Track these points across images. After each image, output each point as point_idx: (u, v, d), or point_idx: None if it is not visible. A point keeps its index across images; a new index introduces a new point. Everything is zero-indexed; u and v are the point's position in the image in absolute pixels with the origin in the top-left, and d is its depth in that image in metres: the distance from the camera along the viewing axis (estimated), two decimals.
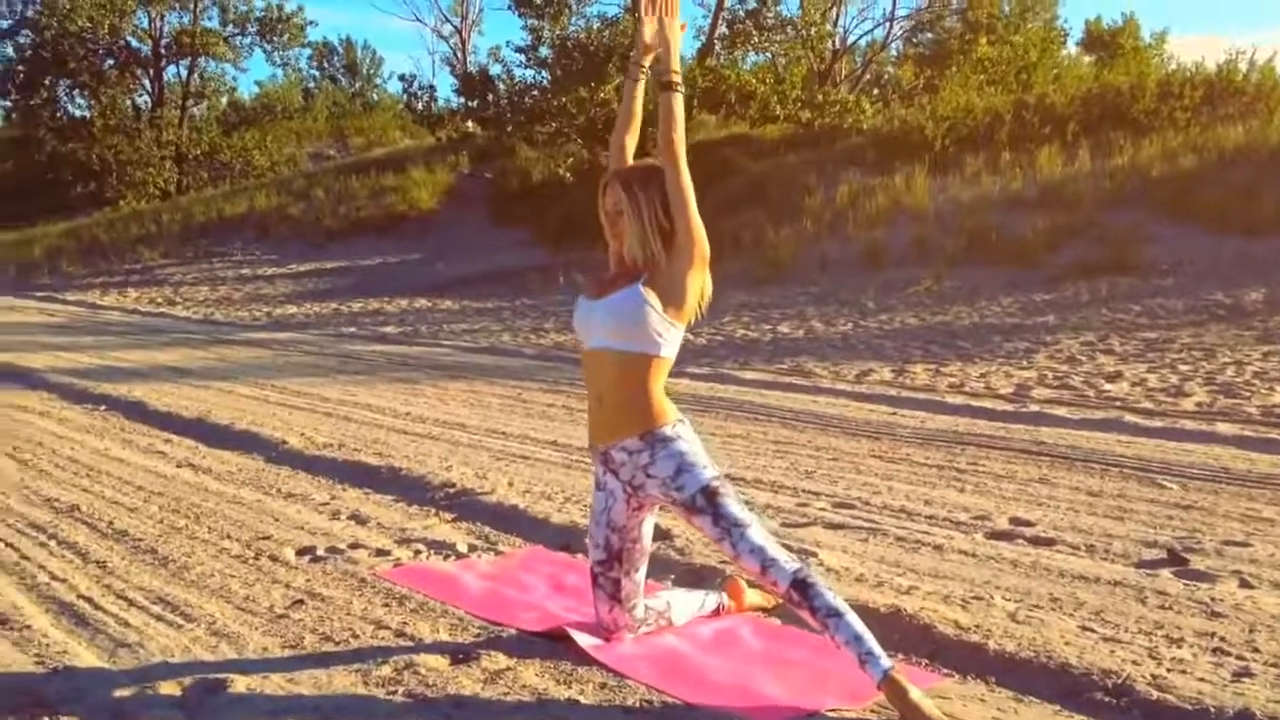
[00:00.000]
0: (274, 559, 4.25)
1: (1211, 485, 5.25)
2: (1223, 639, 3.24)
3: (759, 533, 3.03)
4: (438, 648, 3.29)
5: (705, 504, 3.06)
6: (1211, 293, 12.38)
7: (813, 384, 8.62)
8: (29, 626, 3.49)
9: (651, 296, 3.08)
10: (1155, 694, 2.78)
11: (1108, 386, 8.16)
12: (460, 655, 3.21)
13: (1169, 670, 2.93)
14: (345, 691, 2.97)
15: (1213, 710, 2.67)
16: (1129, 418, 6.95)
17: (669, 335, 3.14)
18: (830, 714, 2.78)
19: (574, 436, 6.73)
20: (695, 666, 3.10)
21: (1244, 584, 3.79)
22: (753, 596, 3.57)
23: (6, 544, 4.50)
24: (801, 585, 2.92)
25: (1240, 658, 3.05)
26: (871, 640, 2.84)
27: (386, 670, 3.11)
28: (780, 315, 13.16)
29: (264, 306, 18.27)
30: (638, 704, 2.87)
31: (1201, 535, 4.41)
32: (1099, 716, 2.73)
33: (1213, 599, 3.60)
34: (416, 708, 2.86)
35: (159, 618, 3.58)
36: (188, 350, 12.33)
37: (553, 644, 3.28)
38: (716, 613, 3.49)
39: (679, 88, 3.17)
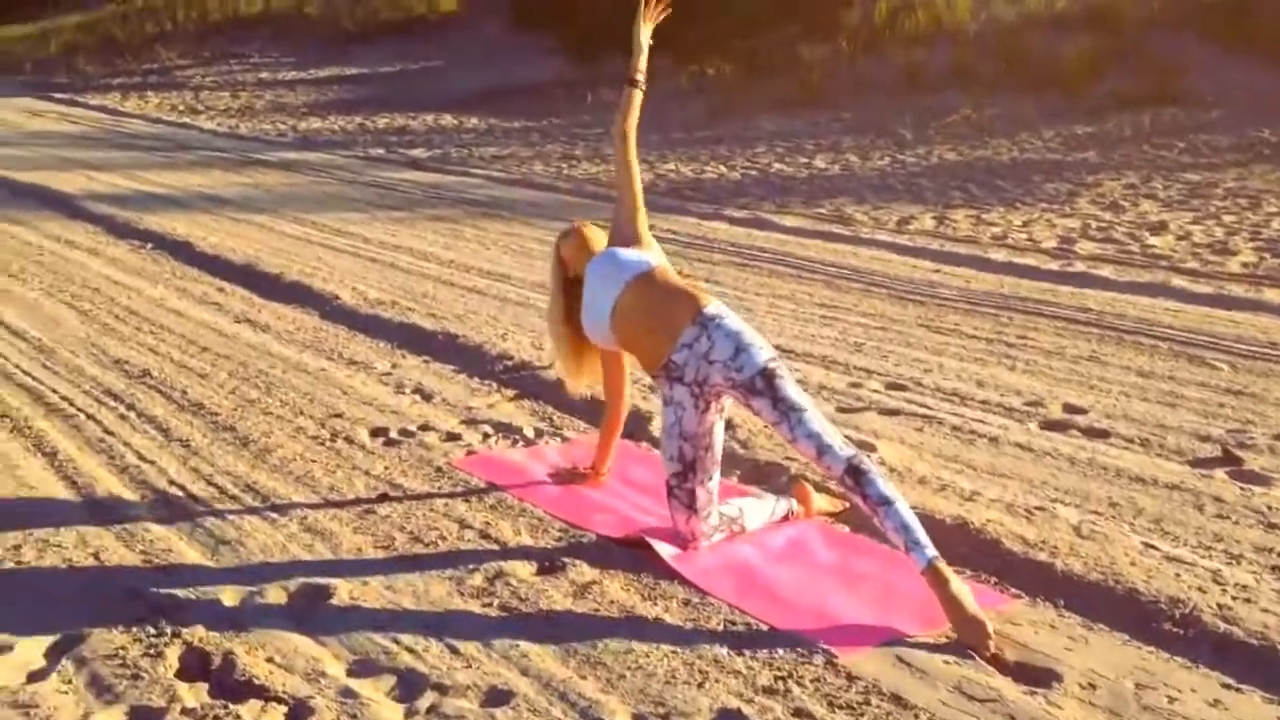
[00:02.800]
0: (350, 441, 4.38)
1: (1262, 365, 5.31)
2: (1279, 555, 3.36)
3: (815, 417, 3.18)
4: (522, 553, 3.43)
5: (764, 386, 3.20)
6: (1259, 129, 12.17)
7: (853, 233, 8.60)
8: (133, 517, 3.64)
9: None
10: (1222, 625, 2.91)
11: (1152, 241, 8.14)
12: (546, 564, 3.35)
13: (1234, 598, 3.05)
14: (443, 603, 3.12)
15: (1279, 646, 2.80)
16: (1176, 280, 6.96)
17: None
18: (907, 639, 2.92)
19: None
20: (771, 582, 3.24)
21: None
22: (820, 502, 3.70)
23: (89, 416, 4.63)
24: (855, 471, 3.05)
25: None
26: (919, 529, 2.98)
27: (479, 579, 3.25)
28: (814, 147, 13.00)
29: (288, 119, 18.05)
30: (721, 626, 3.01)
31: (1254, 427, 4.50)
32: (1168, 648, 2.86)
33: (1269, 507, 3.71)
34: (513, 623, 3.01)
35: (252, 510, 3.73)
36: (220, 173, 12.29)
37: (632, 553, 3.41)
38: (786, 518, 3.62)
39: (642, 86, 3.72)
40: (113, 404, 4.79)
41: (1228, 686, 2.69)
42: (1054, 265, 7.47)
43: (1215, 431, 4.46)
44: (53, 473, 4.04)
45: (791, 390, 3.19)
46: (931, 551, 2.93)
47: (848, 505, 3.72)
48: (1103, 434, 4.46)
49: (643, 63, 3.75)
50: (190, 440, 4.37)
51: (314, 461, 4.16)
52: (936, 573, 2.90)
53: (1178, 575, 3.20)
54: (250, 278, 7.19)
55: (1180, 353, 5.53)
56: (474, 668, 2.80)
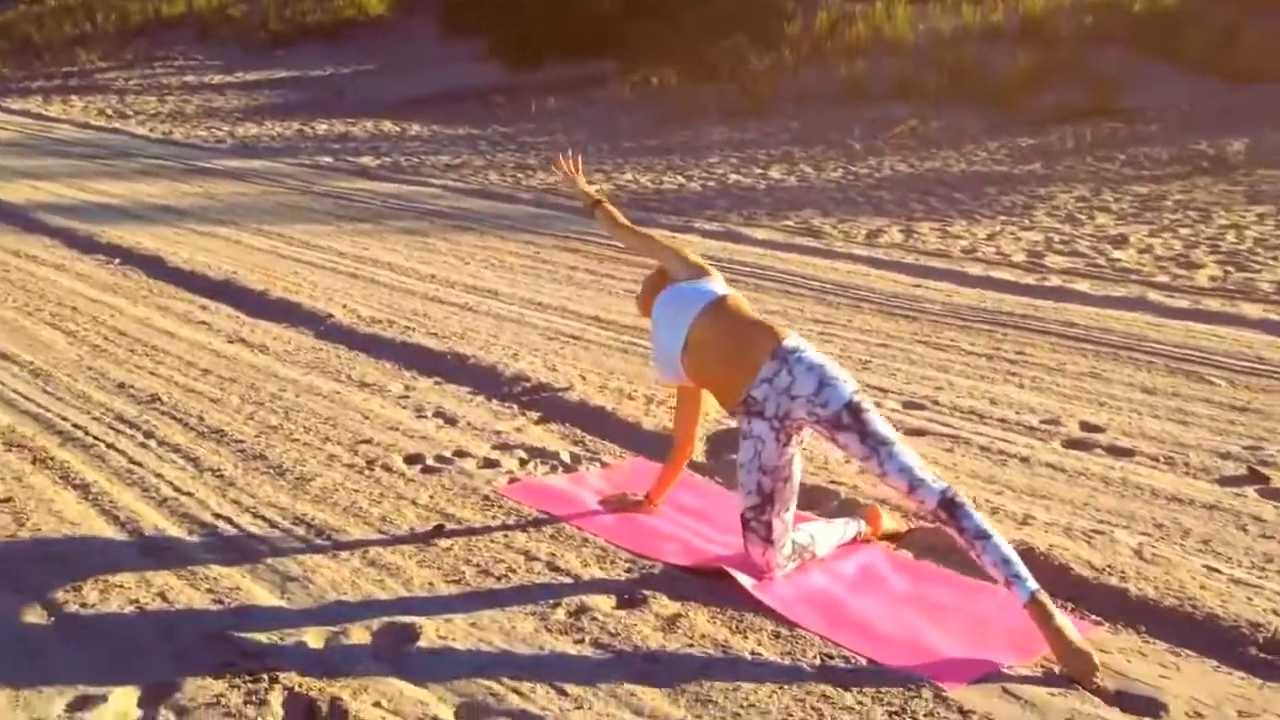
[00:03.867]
0: (387, 469, 4.31)
1: (1258, 380, 5.46)
2: None
3: (905, 450, 3.19)
4: (597, 585, 3.41)
5: (851, 420, 3.21)
6: (1195, 142, 12.54)
7: (827, 245, 8.68)
8: (188, 555, 3.55)
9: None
10: None
11: (1117, 254, 8.33)
12: (625, 596, 3.34)
13: None
14: (534, 640, 3.09)
15: None
16: (1151, 295, 7.14)
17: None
18: (1007, 671, 2.96)
19: (609, 308, 6.79)
20: (858, 614, 3.25)
21: None
22: (888, 523, 3.73)
23: (108, 445, 4.50)
24: (950, 505, 3.08)
25: None
26: (1019, 562, 3.02)
27: (561, 614, 3.23)
28: (766, 157, 13.09)
29: (222, 124, 17.70)
30: (818, 659, 3.02)
31: (1267, 444, 4.63)
32: (1258, 674, 2.94)
33: None
34: (611, 660, 3.00)
35: (309, 544, 3.65)
36: (169, 183, 12.01)
37: (707, 583, 3.41)
38: (854, 540, 3.64)
39: (603, 200, 3.96)
40: (130, 432, 4.66)
41: None
42: (1030, 280, 7.61)
43: (1233, 449, 4.58)
44: (90, 506, 3.92)
45: (879, 423, 3.21)
46: (1034, 584, 2.97)
47: (914, 527, 3.76)
48: (1127, 453, 4.56)
49: (584, 188, 3.99)
50: (222, 470, 4.27)
51: (357, 491, 4.09)
52: (1040, 606, 2.94)
53: (1250, 599, 3.28)
54: (232, 294, 7.04)
55: (1176, 369, 5.68)
56: (585, 709, 2.78)
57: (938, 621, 3.22)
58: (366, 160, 13.83)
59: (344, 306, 6.71)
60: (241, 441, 4.56)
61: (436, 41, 23.99)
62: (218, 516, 3.86)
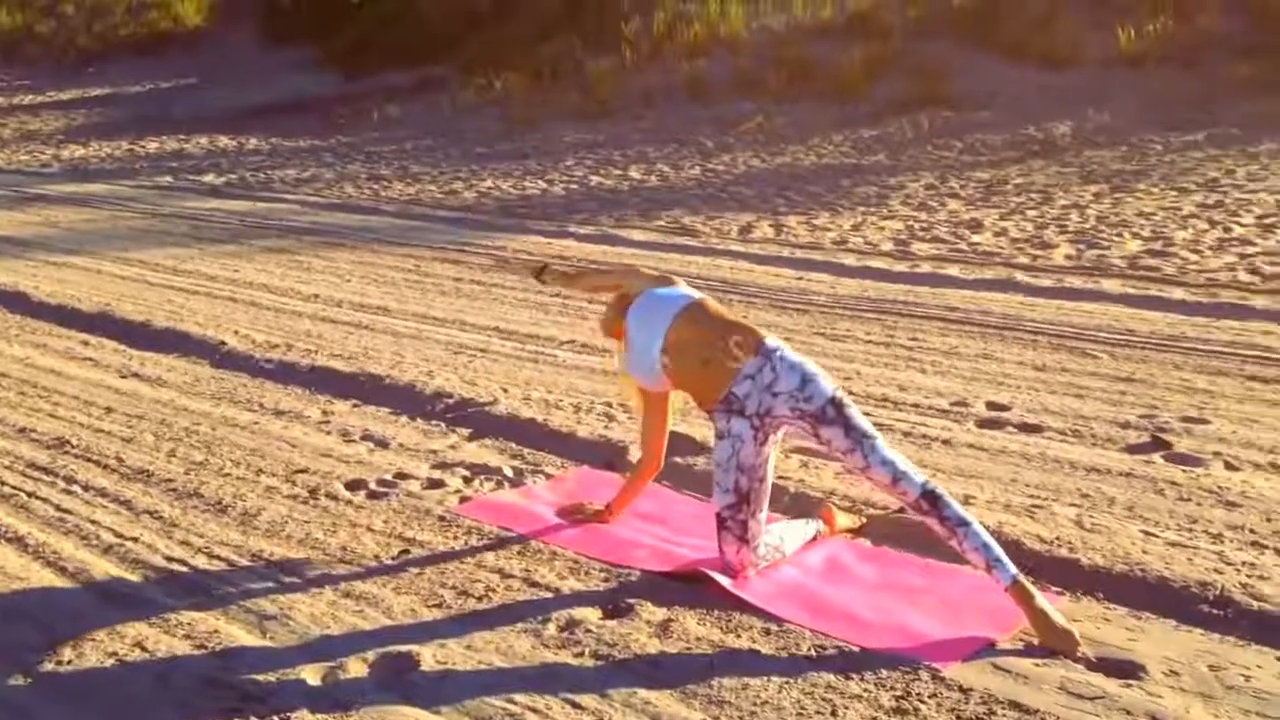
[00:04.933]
0: (332, 497, 4.25)
1: (1136, 352, 5.81)
2: (1253, 531, 3.74)
3: (885, 444, 3.32)
4: (579, 598, 3.45)
5: (835, 415, 3.33)
6: (1024, 127, 13.17)
7: (704, 243, 8.85)
8: (152, 601, 3.44)
9: None
10: (1255, 604, 3.25)
11: (976, 238, 8.72)
12: (610, 607, 3.39)
13: (1249, 577, 3.40)
14: (534, 657, 3.11)
15: None
16: (1019, 276, 7.51)
17: None
18: (992, 647, 3.12)
19: (507, 319, 6.80)
20: (838, 603, 3.38)
21: (1229, 466, 4.33)
22: (842, 520, 3.87)
23: (29, 494, 4.31)
24: (931, 496, 3.23)
25: None
26: (998, 547, 3.20)
27: (553, 629, 3.26)
28: (623, 158, 13.22)
29: (45, 147, 16.91)
30: (812, 651, 3.13)
31: (1159, 412, 4.95)
32: (1215, 629, 3.17)
33: (1219, 487, 4.11)
34: (615, 670, 3.04)
35: (275, 580, 3.58)
36: (3, 212, 11.42)
37: (687, 587, 3.48)
38: (814, 539, 3.76)
39: (546, 266, 4.14)
40: (48, 479, 4.47)
41: None
42: (902, 267, 7.92)
43: (1130, 418, 4.88)
44: (31, 559, 3.76)
45: (860, 418, 3.34)
46: (1014, 568, 3.13)
47: (865, 521, 3.91)
48: (1036, 429, 4.81)
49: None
50: (159, 511, 4.14)
51: (308, 522, 4.03)
52: (1022, 588, 3.11)
53: (1190, 560, 3.53)
54: (112, 327, 6.78)
55: (1059, 345, 6.00)
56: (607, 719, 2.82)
57: (914, 604, 3.37)
58: (210, 178, 13.43)
59: (235, 333, 6.54)
60: (171, 480, 4.43)
61: (260, 51, 23.41)
62: (170, 559, 3.75)
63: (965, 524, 3.18)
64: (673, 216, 9.95)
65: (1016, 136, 12.87)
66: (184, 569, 3.68)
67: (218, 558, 3.76)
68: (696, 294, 3.67)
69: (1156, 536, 3.72)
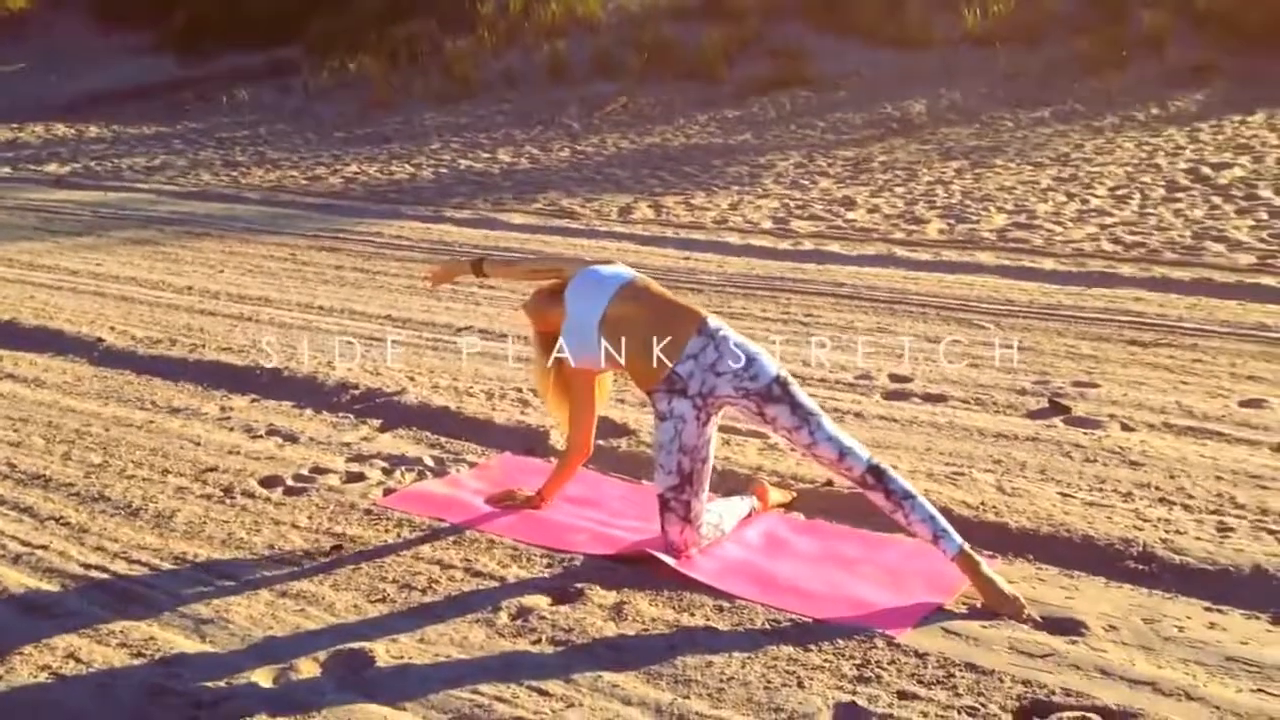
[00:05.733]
0: (248, 495, 4.11)
1: (1019, 321, 6.03)
2: (1159, 488, 3.92)
3: (830, 421, 3.37)
4: (525, 585, 3.41)
5: (781, 393, 3.36)
6: (881, 107, 13.49)
7: (587, 226, 8.84)
8: (76, 611, 3.28)
9: None
10: (1177, 557, 3.40)
11: (851, 215, 8.92)
12: (558, 592, 3.36)
13: (1166, 532, 3.56)
14: (490, 646, 3.07)
15: (1232, 571, 3.32)
16: (898, 251, 7.71)
17: None
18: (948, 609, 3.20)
19: (397, 307, 6.69)
20: (782, 577, 3.41)
21: (1125, 427, 4.53)
22: (775, 495, 3.91)
23: None
24: (876, 470, 3.29)
25: (1197, 509, 3.73)
26: (942, 519, 3.27)
27: (504, 618, 3.22)
28: (489, 140, 13.09)
29: None
30: (766, 625, 3.16)
31: (1051, 377, 5.14)
32: (1142, 584, 3.31)
33: (1120, 448, 4.29)
34: (575, 655, 3.02)
35: (204, 583, 3.45)
36: None
37: (633, 569, 3.48)
38: (750, 515, 3.80)
39: (483, 260, 4.06)
40: None
41: (1210, 609, 3.16)
42: (786, 245, 8.04)
43: (1025, 385, 5.06)
44: None
45: (804, 396, 3.37)
46: (959, 539, 3.21)
47: (796, 495, 3.96)
48: (940, 398, 4.95)
49: (461, 264, 4.21)
50: (66, 517, 3.94)
51: (226, 521, 3.89)
52: (968, 558, 3.19)
53: (1109, 519, 3.68)
54: None
55: (948, 317, 6.18)
56: (577, 705, 2.80)
57: (856, 574, 3.43)
58: (53, 168, 12.84)
59: (111, 329, 6.26)
60: (71, 485, 4.22)
61: (90, 35, 22.41)
62: (87, 566, 3.57)
63: (910, 497, 3.25)
64: (549, 199, 9.90)
65: (875, 116, 13.17)
66: (104, 575, 3.52)
67: (138, 562, 3.60)
68: (637, 274, 3.66)
69: (1073, 498, 3.86)
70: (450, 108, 14.87)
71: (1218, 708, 2.69)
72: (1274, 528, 3.56)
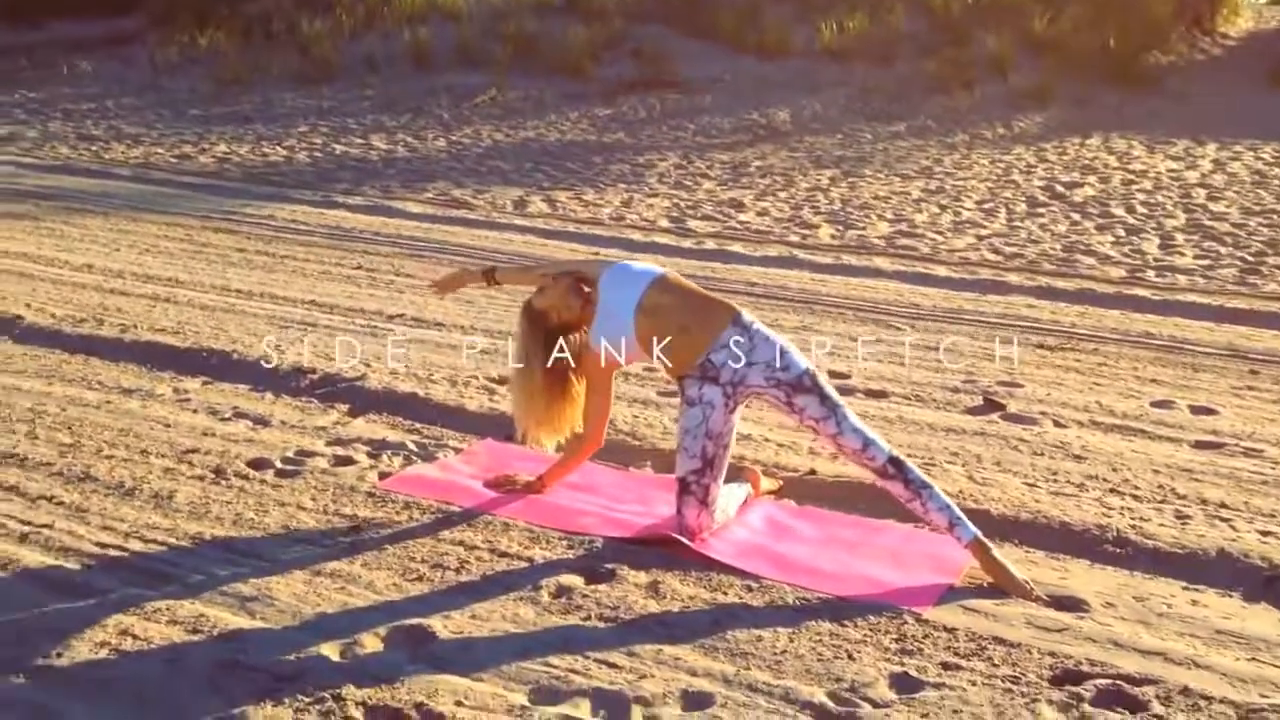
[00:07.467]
0: (242, 476, 4.08)
1: (933, 324, 6.39)
2: (1106, 480, 4.28)
3: (853, 413, 3.60)
4: (556, 566, 3.51)
5: (811, 384, 3.57)
6: (748, 113, 13.89)
7: (486, 218, 8.87)
8: (109, 589, 3.23)
9: None
10: (1150, 542, 3.75)
11: (743, 217, 9.21)
12: (589, 573, 3.48)
13: (1135, 519, 3.91)
14: (543, 621, 3.17)
15: (1200, 554, 3.68)
16: (799, 254, 8.02)
17: None
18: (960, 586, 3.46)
19: (317, 292, 6.64)
20: (797, 559, 3.61)
21: (1058, 424, 4.90)
22: (766, 483, 4.11)
23: None
24: (897, 461, 3.54)
25: (1146, 499, 4.10)
26: (957, 508, 3.54)
27: (546, 596, 3.32)
28: (359, 125, 12.92)
29: None
30: (796, 602, 3.36)
31: (977, 376, 5.50)
32: (1123, 565, 3.64)
33: (1061, 442, 4.65)
34: (627, 630, 3.15)
35: (233, 563, 3.44)
36: None
37: (655, 549, 3.62)
38: (745, 501, 3.99)
39: (494, 269, 4.20)
40: None
41: (1188, 589, 3.51)
42: (689, 243, 8.27)
43: (956, 383, 5.40)
44: None
45: (831, 389, 3.58)
46: (973, 527, 3.47)
47: (783, 483, 4.18)
48: (882, 394, 5.24)
49: (473, 271, 4.28)
50: (57, 496, 3.84)
51: (229, 503, 3.86)
52: (980, 544, 3.45)
53: (1078, 506, 4.02)
54: None
55: (866, 318, 6.51)
56: (649, 676, 2.94)
57: (864, 555, 3.66)
58: None
59: (27, 306, 6.03)
60: (50, 465, 4.10)
61: None
62: (104, 546, 3.51)
63: (927, 487, 3.50)
64: (438, 189, 9.88)
65: (742, 121, 13.55)
66: (122, 554, 3.46)
67: (154, 542, 3.56)
68: (670, 270, 3.81)
69: (1038, 487, 4.19)
70: (311, 90, 14.58)
71: (1225, 674, 3.01)
72: (1223, 515, 3.95)
